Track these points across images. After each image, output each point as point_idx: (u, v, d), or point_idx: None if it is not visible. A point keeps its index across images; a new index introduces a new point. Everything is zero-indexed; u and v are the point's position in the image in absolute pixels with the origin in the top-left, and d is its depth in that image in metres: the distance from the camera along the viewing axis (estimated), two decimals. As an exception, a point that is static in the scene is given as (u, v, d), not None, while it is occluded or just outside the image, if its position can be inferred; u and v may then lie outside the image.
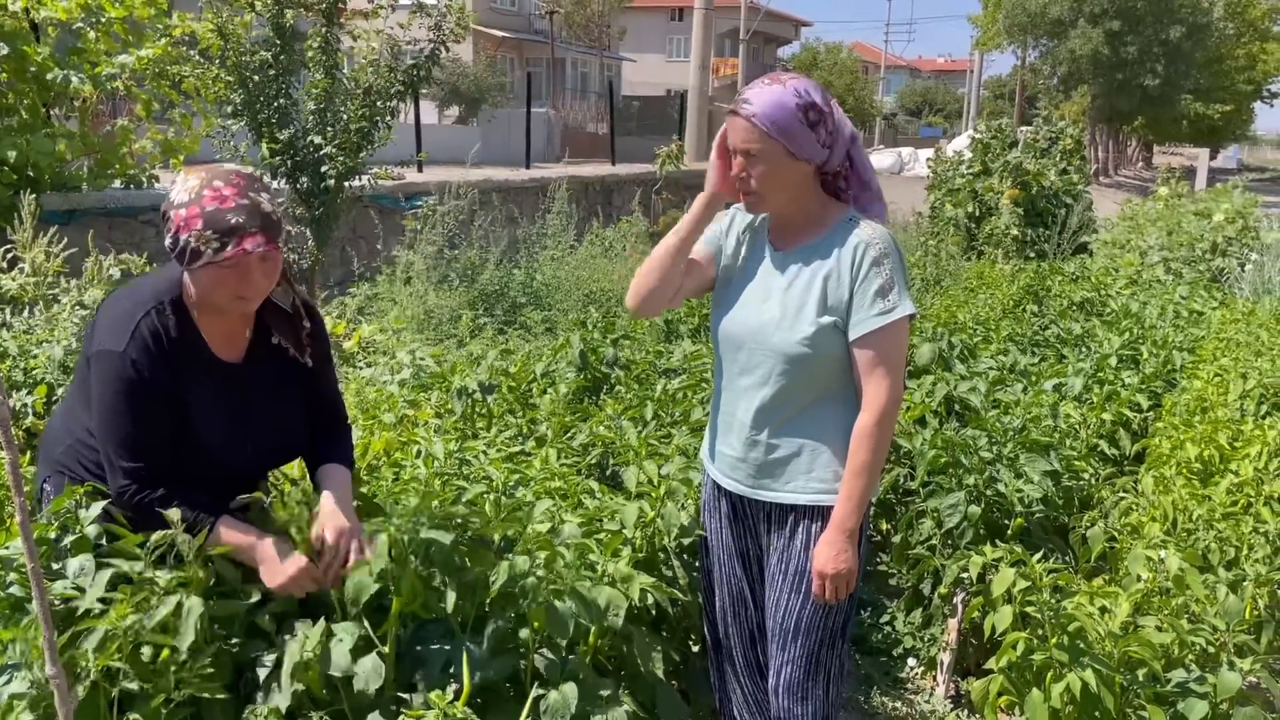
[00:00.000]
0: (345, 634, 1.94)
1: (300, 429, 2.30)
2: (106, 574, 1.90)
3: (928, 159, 12.62)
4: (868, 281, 2.22)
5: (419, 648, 2.04)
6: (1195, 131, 46.06)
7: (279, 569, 2.03)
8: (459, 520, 2.09)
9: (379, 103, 7.74)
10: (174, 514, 1.94)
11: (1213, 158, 39.46)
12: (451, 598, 2.01)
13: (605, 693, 2.07)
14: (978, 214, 11.13)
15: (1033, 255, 10.22)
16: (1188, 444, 3.82)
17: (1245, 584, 2.89)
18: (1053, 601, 2.50)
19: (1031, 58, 42.04)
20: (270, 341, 2.23)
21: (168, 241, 2.01)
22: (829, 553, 2.27)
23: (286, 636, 1.97)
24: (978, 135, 11.99)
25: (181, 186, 2.01)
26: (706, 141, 22.74)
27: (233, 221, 1.96)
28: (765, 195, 2.26)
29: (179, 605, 1.87)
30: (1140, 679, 2.43)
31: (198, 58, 7.41)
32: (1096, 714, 2.39)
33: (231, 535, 2.05)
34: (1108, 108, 38.71)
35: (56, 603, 1.89)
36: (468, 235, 9.07)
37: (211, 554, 2.01)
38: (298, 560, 2.04)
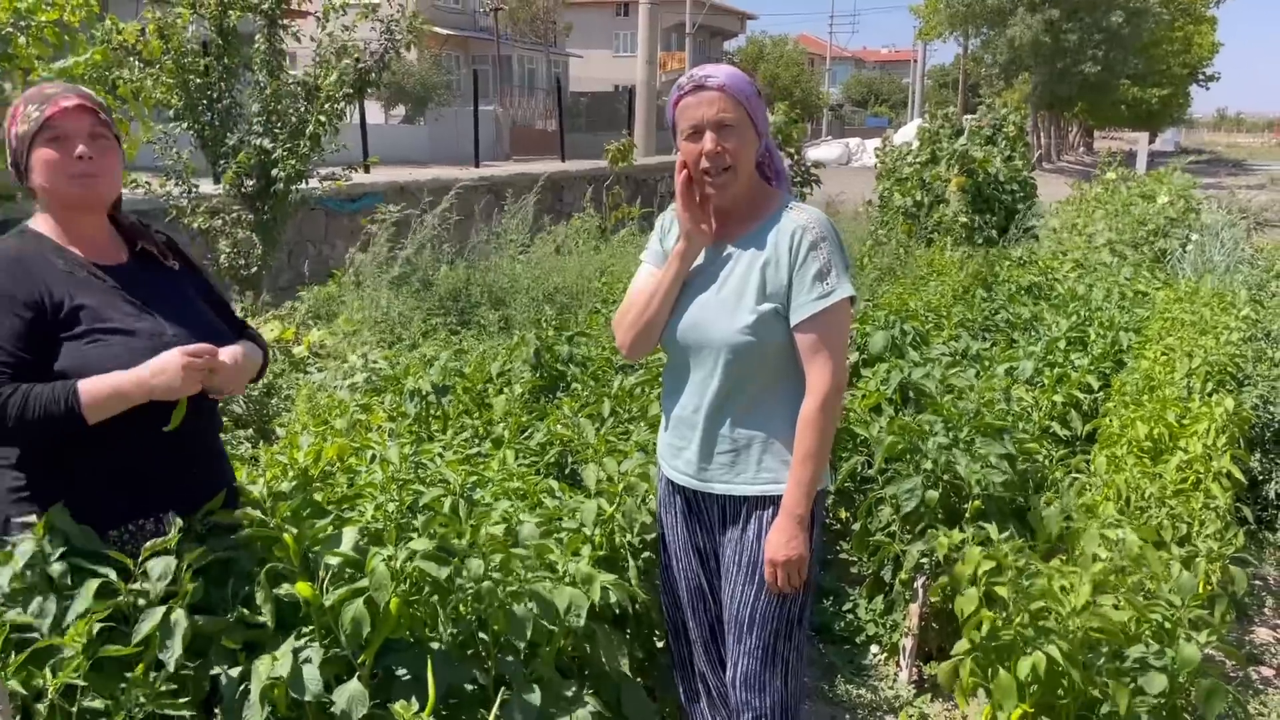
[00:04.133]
0: (314, 654, 1.89)
1: (216, 324, 2.22)
2: (95, 583, 1.85)
3: (876, 149, 12.72)
4: (806, 265, 2.23)
5: (383, 658, 2.00)
6: (1134, 116, 46.96)
7: (161, 366, 1.94)
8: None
9: (328, 105, 7.65)
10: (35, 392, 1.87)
11: (1152, 141, 40.23)
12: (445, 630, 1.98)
13: (569, 693, 2.05)
14: (926, 202, 11.24)
15: (981, 242, 10.34)
16: (1137, 423, 3.88)
17: (1198, 560, 2.95)
18: (1018, 581, 2.52)
19: (973, 47, 42.59)
20: (138, 249, 2.18)
21: (9, 159, 2.02)
22: (779, 539, 2.27)
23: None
24: (926, 125, 12.10)
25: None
26: (655, 136, 22.74)
27: (50, 92, 2.01)
28: (738, 170, 2.26)
29: (166, 617, 1.82)
30: (1102, 656, 2.46)
31: (136, 62, 7.25)
32: (1061, 691, 2.42)
33: (96, 385, 1.92)
34: (1048, 94, 39.36)
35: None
36: (418, 236, 8.97)
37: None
38: (172, 353, 1.96)
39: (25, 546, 1.90)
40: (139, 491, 2.05)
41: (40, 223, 2.09)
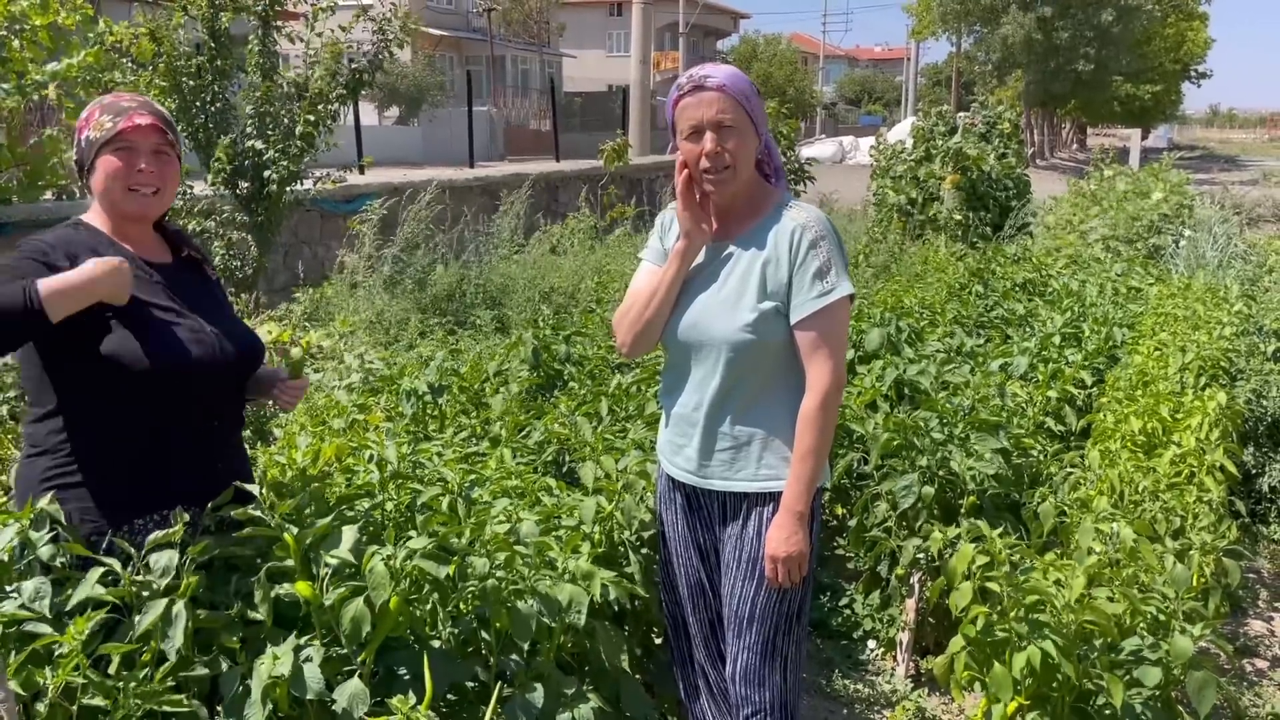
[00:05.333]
0: (314, 653, 1.90)
1: (250, 331, 2.36)
2: (97, 572, 1.88)
3: (870, 147, 12.74)
4: (806, 264, 2.25)
5: (383, 657, 2.01)
6: (1127, 113, 47.02)
7: (103, 262, 1.99)
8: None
9: (321, 106, 7.65)
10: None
11: (1144, 138, 40.28)
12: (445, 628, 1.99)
13: (570, 690, 2.06)
14: (921, 200, 11.27)
15: (975, 239, 10.36)
16: (1131, 418, 3.90)
17: (1192, 553, 2.96)
18: (1012, 576, 2.54)
19: (966, 45, 42.67)
20: (183, 254, 2.31)
21: (74, 155, 2.17)
22: (779, 535, 2.28)
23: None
24: (919, 122, 12.13)
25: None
26: (650, 135, 22.73)
27: (126, 105, 2.14)
28: (738, 169, 2.28)
29: (168, 609, 1.84)
30: (1096, 649, 2.48)
31: (130, 64, 7.25)
32: (1056, 684, 2.44)
33: (52, 282, 1.94)
34: (1041, 92, 39.44)
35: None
36: (429, 239, 8.98)
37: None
38: (112, 259, 2.01)
39: (7, 532, 1.94)
40: (161, 482, 2.12)
41: (94, 217, 2.20)
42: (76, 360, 2.04)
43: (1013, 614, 2.47)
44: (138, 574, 1.92)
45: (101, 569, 1.90)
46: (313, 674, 1.86)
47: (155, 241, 2.26)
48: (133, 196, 2.14)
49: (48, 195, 8.40)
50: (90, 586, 1.86)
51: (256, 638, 1.96)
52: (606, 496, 2.73)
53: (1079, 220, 10.24)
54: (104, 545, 2.01)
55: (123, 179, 2.12)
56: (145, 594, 1.89)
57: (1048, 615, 2.47)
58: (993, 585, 2.54)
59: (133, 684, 1.81)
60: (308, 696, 1.84)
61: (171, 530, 1.96)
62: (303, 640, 1.93)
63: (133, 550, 1.94)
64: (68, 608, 1.87)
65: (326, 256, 10.81)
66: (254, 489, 2.14)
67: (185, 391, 2.13)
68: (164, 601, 1.86)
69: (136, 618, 1.87)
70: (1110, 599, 2.56)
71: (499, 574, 2.09)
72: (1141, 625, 2.59)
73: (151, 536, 1.95)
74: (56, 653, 1.81)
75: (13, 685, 1.76)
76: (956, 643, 2.59)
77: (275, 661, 1.84)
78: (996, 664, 2.44)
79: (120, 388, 2.06)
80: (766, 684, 2.40)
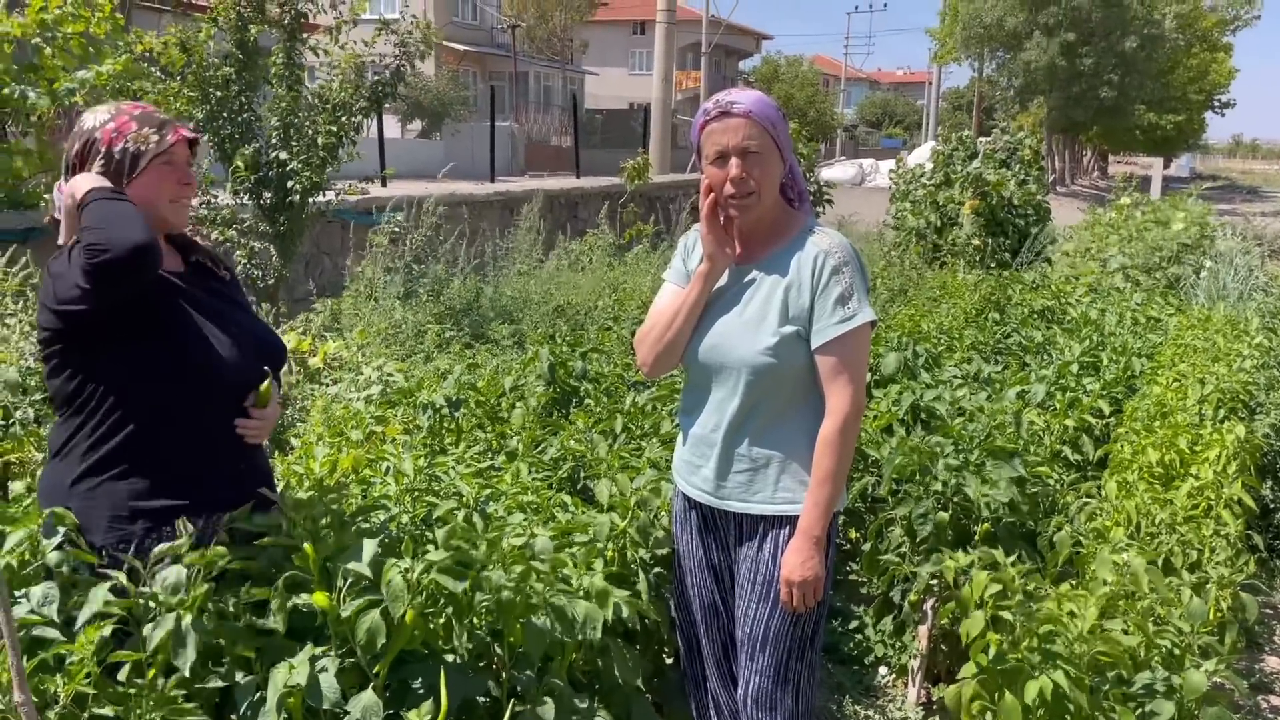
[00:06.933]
0: (330, 664, 1.91)
1: (264, 333, 2.35)
2: (105, 586, 1.87)
3: (889, 170, 12.75)
4: (828, 290, 2.26)
5: (397, 670, 2.02)
6: (1149, 141, 46.87)
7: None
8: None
9: (344, 118, 7.72)
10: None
11: (1166, 166, 40.17)
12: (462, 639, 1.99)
13: (581, 707, 2.06)
14: (940, 224, 11.26)
15: (994, 265, 10.34)
16: (1149, 449, 3.88)
17: (1208, 586, 2.94)
18: (1025, 605, 2.53)
19: (989, 70, 42.65)
20: (191, 260, 2.31)
21: (97, 166, 2.11)
22: (796, 560, 2.28)
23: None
24: (939, 147, 12.13)
25: (94, 116, 2.16)
26: (670, 154, 22.80)
27: (161, 117, 2.16)
28: (763, 195, 2.29)
29: (178, 623, 1.84)
30: (1109, 681, 2.46)
31: (159, 74, 7.34)
32: (1068, 716, 2.42)
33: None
34: (1064, 118, 39.34)
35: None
36: (434, 250, 9.03)
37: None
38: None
39: (16, 535, 1.96)
40: (192, 489, 2.12)
41: None
42: (111, 364, 2.06)
43: (1025, 643, 2.46)
44: (146, 586, 1.91)
45: (108, 584, 1.88)
46: (329, 683, 1.87)
47: (169, 250, 2.26)
48: (177, 209, 2.19)
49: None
50: (99, 603, 1.85)
51: (275, 648, 1.97)
52: (620, 514, 2.74)
53: (1098, 249, 10.20)
54: (133, 550, 2.01)
55: (166, 193, 2.16)
56: (154, 606, 1.88)
57: (1060, 646, 2.46)
58: (1005, 614, 2.53)
59: (144, 693, 1.82)
60: (324, 706, 1.85)
61: (177, 543, 1.95)
62: (318, 651, 1.94)
63: (138, 565, 1.93)
64: (77, 625, 1.85)
65: (346, 267, 10.88)
66: (275, 496, 2.16)
67: (209, 398, 2.14)
68: (173, 616, 1.86)
69: (146, 629, 1.86)
70: (1125, 631, 2.54)
71: (514, 587, 2.09)
72: (1156, 659, 2.57)
73: (157, 549, 1.94)
74: (67, 661, 1.82)
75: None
76: (969, 669, 2.58)
77: (292, 671, 1.85)
78: (1008, 694, 2.43)
79: (152, 394, 2.08)
80: (779, 708, 2.39)
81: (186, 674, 1.84)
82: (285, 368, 2.56)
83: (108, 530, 2.06)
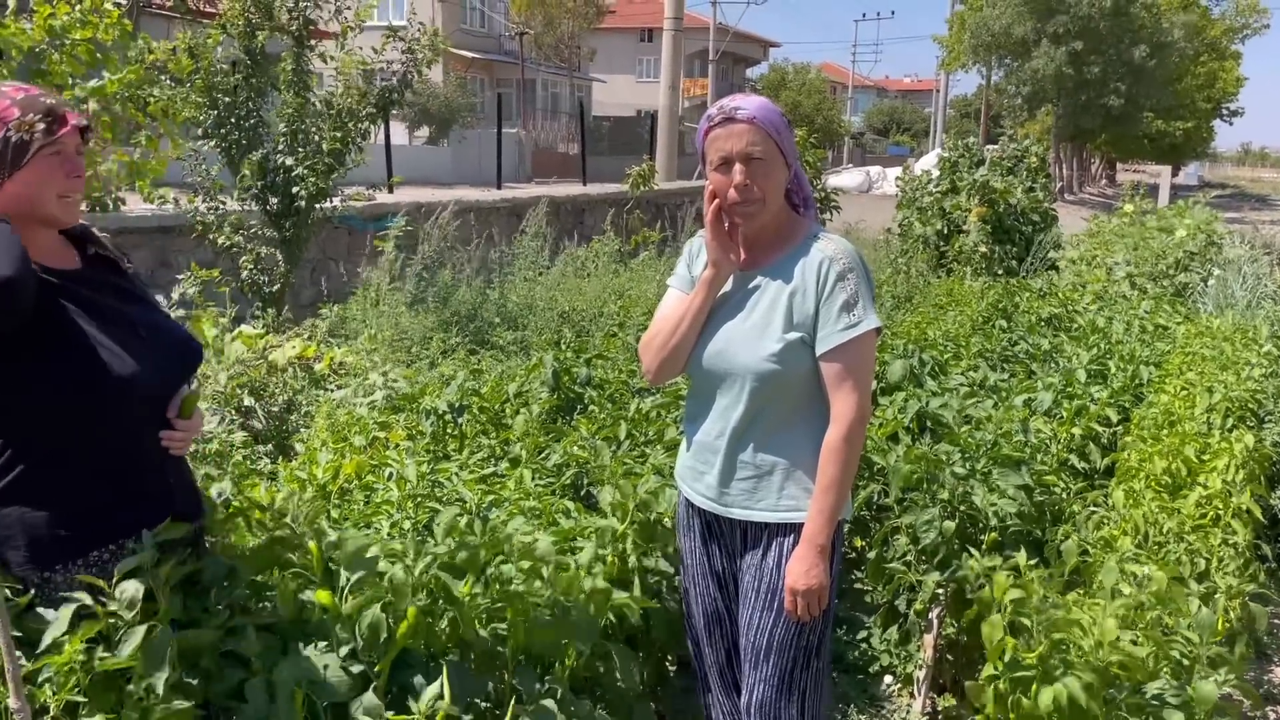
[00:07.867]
0: (332, 661, 1.90)
1: (176, 327, 2.15)
2: (71, 607, 1.82)
3: (896, 177, 12.73)
4: (833, 296, 2.24)
5: (399, 672, 2.01)
6: (1157, 149, 46.80)
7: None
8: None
9: (351, 124, 7.74)
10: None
11: (1174, 174, 40.09)
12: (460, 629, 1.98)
13: (583, 710, 2.05)
14: (946, 232, 11.24)
15: (1000, 272, 10.32)
16: (1156, 457, 3.86)
17: (1217, 596, 2.92)
18: (1044, 610, 2.51)
19: (996, 77, 42.60)
20: (89, 253, 2.09)
21: None
22: (800, 568, 2.27)
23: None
24: (946, 154, 12.11)
25: None
26: (677, 161, 22.81)
27: (48, 102, 1.91)
28: (767, 201, 2.28)
29: (148, 636, 1.80)
30: (1123, 691, 2.44)
31: (167, 81, 7.36)
32: (1079, 725, 2.40)
33: None
34: (1071, 126, 39.29)
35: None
36: (440, 256, 9.04)
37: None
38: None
39: None
40: (109, 513, 1.96)
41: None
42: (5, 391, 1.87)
43: (1040, 649, 2.44)
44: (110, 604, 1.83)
45: (74, 605, 1.80)
46: (337, 675, 1.86)
47: (60, 245, 2.03)
48: (66, 204, 1.96)
49: (83, 206, 8.52)
50: (64, 624, 1.79)
51: (275, 647, 1.96)
52: (618, 519, 2.72)
53: (1103, 256, 10.18)
54: (60, 582, 1.89)
55: (54, 187, 1.92)
56: (122, 621, 1.83)
57: (1073, 654, 2.44)
58: (1024, 619, 2.51)
59: (135, 700, 1.80)
60: (335, 700, 1.84)
61: (139, 557, 1.86)
62: (320, 648, 1.94)
63: (102, 582, 1.83)
64: (40, 648, 1.79)
65: (352, 273, 10.90)
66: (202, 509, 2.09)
67: (119, 412, 1.94)
68: (143, 629, 1.81)
69: (117, 648, 1.81)
70: (1135, 641, 2.52)
71: (520, 586, 2.08)
72: (1166, 669, 2.55)
73: (120, 565, 1.85)
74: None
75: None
76: (986, 673, 2.56)
77: (297, 669, 1.85)
78: (1023, 699, 2.41)
79: (55, 413, 1.89)
80: (782, 717, 2.37)
81: (160, 692, 1.79)
82: (200, 369, 2.31)
83: (24, 563, 1.90)
